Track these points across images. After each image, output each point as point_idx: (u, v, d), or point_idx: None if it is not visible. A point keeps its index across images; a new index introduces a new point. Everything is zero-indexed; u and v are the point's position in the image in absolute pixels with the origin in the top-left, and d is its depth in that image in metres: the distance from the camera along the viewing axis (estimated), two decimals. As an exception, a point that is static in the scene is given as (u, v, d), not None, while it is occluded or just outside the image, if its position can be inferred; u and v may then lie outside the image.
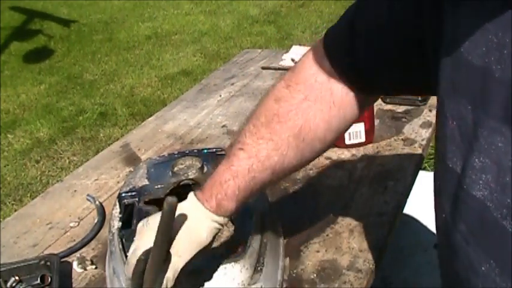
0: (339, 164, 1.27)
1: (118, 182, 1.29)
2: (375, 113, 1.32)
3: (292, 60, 1.90)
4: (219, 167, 0.77)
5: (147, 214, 1.00)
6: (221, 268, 0.84)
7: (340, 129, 0.77)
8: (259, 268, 0.87)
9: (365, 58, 0.69)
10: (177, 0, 5.84)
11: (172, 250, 0.71)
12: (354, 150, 1.30)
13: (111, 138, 3.12)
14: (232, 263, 0.84)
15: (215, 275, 0.83)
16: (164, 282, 0.71)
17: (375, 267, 0.95)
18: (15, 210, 2.17)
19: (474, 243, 0.54)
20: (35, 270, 0.95)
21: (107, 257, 0.99)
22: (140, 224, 0.78)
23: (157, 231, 0.70)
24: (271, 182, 0.78)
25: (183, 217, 0.72)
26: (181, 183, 1.07)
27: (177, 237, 0.72)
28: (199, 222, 0.73)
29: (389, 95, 1.43)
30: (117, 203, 1.05)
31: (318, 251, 0.99)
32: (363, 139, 1.30)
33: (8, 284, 0.93)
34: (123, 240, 0.93)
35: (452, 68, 0.55)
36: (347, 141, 1.31)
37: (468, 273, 0.56)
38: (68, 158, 2.99)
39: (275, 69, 1.89)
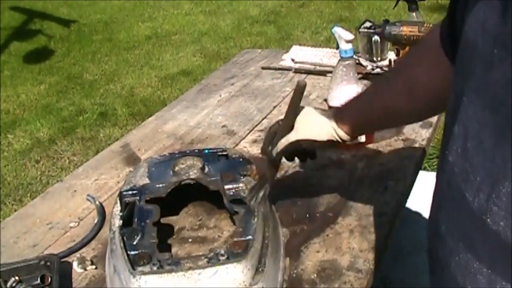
0: (339, 164, 1.27)
1: (118, 182, 1.29)
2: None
3: (292, 60, 1.90)
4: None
5: (148, 213, 1.00)
6: (223, 268, 0.84)
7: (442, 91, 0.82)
8: (260, 269, 0.87)
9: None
10: (177, 0, 5.84)
11: (294, 127, 0.97)
12: (354, 150, 1.30)
13: (111, 138, 3.11)
14: (234, 264, 0.84)
15: (217, 275, 0.83)
16: (279, 145, 0.98)
17: (375, 267, 0.95)
18: (15, 210, 2.17)
19: (442, 207, 0.59)
20: (35, 270, 0.95)
21: (107, 255, 0.99)
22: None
23: (289, 105, 0.97)
24: (385, 120, 0.95)
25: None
26: (182, 183, 1.07)
27: (302, 123, 0.97)
28: (323, 123, 0.96)
29: None
30: (118, 201, 1.05)
31: (318, 251, 0.99)
32: (363, 139, 1.30)
33: (8, 284, 0.93)
34: (124, 238, 0.93)
35: (460, 46, 0.59)
36: (347, 142, 1.30)
37: (435, 239, 0.60)
38: (68, 158, 2.99)
39: (275, 69, 1.89)
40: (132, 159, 1.39)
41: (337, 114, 0.97)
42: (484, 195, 0.51)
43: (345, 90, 1.29)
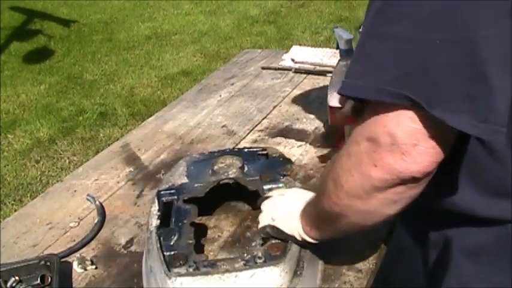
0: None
1: (118, 182, 1.29)
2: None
3: (292, 60, 1.90)
4: None
5: (186, 213, 0.98)
6: (260, 271, 0.82)
7: None
8: (298, 272, 0.86)
9: None
10: (177, 0, 5.84)
11: None
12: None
13: (111, 138, 3.11)
14: (271, 267, 0.83)
15: (254, 278, 0.82)
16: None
17: (375, 267, 0.95)
18: (15, 210, 2.17)
19: None
20: (35, 270, 0.95)
21: (144, 255, 0.98)
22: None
23: None
24: None
25: None
26: (220, 182, 1.06)
27: None
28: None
29: None
30: (156, 201, 1.04)
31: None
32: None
33: (8, 284, 0.93)
34: (161, 239, 0.92)
35: None
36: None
37: None
38: (68, 158, 2.99)
39: (275, 69, 1.89)
40: (132, 159, 1.39)
41: None
42: None
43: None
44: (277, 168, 1.09)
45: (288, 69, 1.86)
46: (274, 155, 1.16)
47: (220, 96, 1.73)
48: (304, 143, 1.37)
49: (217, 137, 1.46)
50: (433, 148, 0.63)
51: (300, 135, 1.42)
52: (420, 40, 0.60)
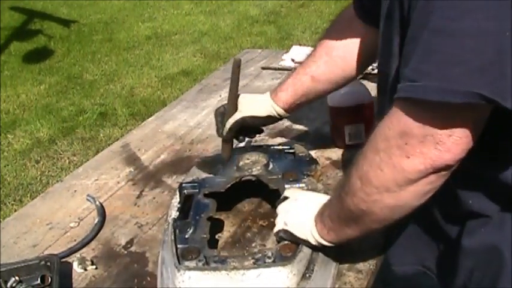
0: (339, 164, 1.27)
1: (118, 182, 1.29)
2: (375, 114, 1.32)
3: (292, 60, 1.90)
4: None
5: (204, 207, 0.98)
6: (267, 271, 0.82)
7: (360, 56, 1.07)
8: (307, 275, 0.85)
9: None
10: (177, 0, 5.84)
11: (238, 108, 1.11)
12: (354, 151, 1.30)
13: (111, 138, 3.11)
14: (279, 268, 0.82)
15: (260, 278, 0.82)
16: (227, 124, 1.11)
17: (375, 267, 0.95)
18: (15, 210, 2.17)
19: None
20: (35, 270, 0.95)
21: (161, 245, 0.98)
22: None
23: (230, 82, 1.10)
24: (313, 88, 1.09)
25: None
26: (242, 179, 1.06)
27: (244, 104, 1.11)
28: (262, 101, 1.12)
29: None
30: (177, 192, 1.05)
31: (318, 251, 0.99)
32: (363, 139, 1.30)
33: (8, 284, 0.93)
34: (176, 231, 0.92)
35: None
36: (347, 142, 1.31)
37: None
38: (68, 158, 2.99)
39: (275, 69, 1.88)
40: (132, 160, 1.39)
41: (273, 92, 1.12)
42: None
43: (345, 90, 1.29)
44: (302, 167, 1.09)
45: (288, 69, 1.86)
46: (301, 154, 1.15)
47: (220, 96, 1.73)
48: (304, 143, 1.37)
49: (217, 137, 1.45)
50: (467, 137, 0.64)
51: (300, 135, 1.42)
52: (492, 32, 0.59)
